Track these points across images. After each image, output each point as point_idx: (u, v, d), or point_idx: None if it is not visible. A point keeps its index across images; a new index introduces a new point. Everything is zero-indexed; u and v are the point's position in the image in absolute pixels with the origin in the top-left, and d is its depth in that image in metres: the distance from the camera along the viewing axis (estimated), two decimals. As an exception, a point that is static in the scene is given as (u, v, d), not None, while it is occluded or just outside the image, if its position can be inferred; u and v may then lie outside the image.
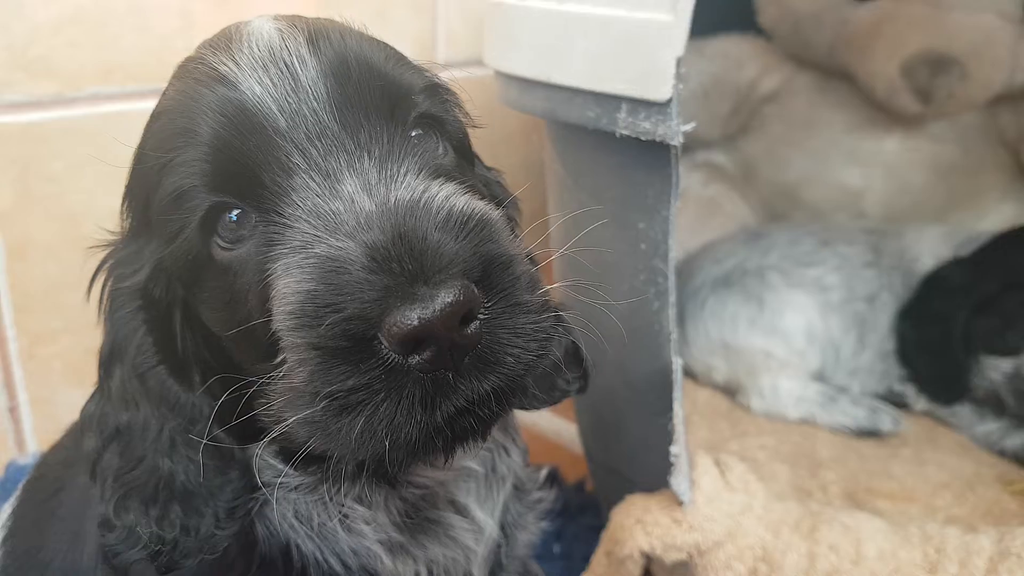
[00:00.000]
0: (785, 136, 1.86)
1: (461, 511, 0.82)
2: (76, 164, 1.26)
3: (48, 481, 0.90)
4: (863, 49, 1.71)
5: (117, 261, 0.72)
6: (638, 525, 0.98)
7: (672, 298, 0.93)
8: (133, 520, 0.68)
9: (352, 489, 0.73)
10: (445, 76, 0.75)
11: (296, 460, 0.62)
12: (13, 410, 1.32)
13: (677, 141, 0.80)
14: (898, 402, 1.57)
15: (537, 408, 0.86)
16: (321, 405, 0.54)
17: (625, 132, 0.83)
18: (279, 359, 0.58)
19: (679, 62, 0.77)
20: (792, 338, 1.51)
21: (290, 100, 0.61)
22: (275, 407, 0.58)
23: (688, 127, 0.82)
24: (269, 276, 0.59)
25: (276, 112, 0.60)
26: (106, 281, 0.72)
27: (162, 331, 0.69)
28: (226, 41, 0.66)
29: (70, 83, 1.24)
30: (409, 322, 0.50)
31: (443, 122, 0.70)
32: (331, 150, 0.60)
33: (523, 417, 1.72)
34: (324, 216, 0.57)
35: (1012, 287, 1.41)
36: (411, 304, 0.50)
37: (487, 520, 0.84)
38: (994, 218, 1.76)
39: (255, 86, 0.61)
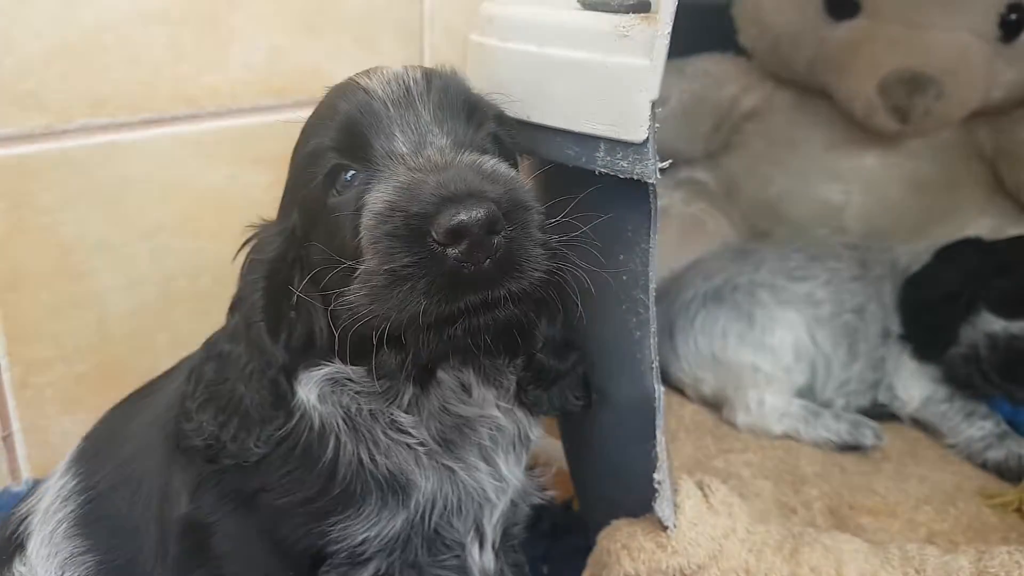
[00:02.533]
0: (766, 153, 1.89)
1: (488, 460, 0.98)
2: (68, 195, 1.28)
3: (146, 387, 1.12)
4: (841, 68, 1.74)
5: (259, 240, 0.93)
6: (624, 550, 1.01)
7: (653, 327, 0.95)
8: (205, 418, 0.90)
9: (399, 385, 0.91)
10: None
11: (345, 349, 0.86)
12: (7, 438, 1.34)
13: (654, 179, 0.83)
14: (882, 414, 1.60)
15: (548, 414, 1.05)
16: (382, 276, 0.73)
17: (604, 170, 0.85)
18: (360, 270, 0.77)
19: (654, 104, 0.79)
20: (780, 354, 1.54)
21: (401, 101, 0.84)
22: (352, 293, 0.77)
23: (664, 164, 0.84)
24: (363, 202, 0.79)
25: (390, 106, 0.84)
26: (248, 252, 0.93)
27: (273, 298, 0.90)
28: (368, 71, 0.89)
29: (61, 115, 1.25)
30: (454, 218, 0.70)
31: (504, 143, 0.92)
32: (423, 131, 0.83)
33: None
34: (409, 166, 0.79)
35: None
36: (457, 209, 0.70)
37: (510, 474, 0.99)
38: (972, 232, 1.79)
39: (379, 90, 0.85)
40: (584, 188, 0.91)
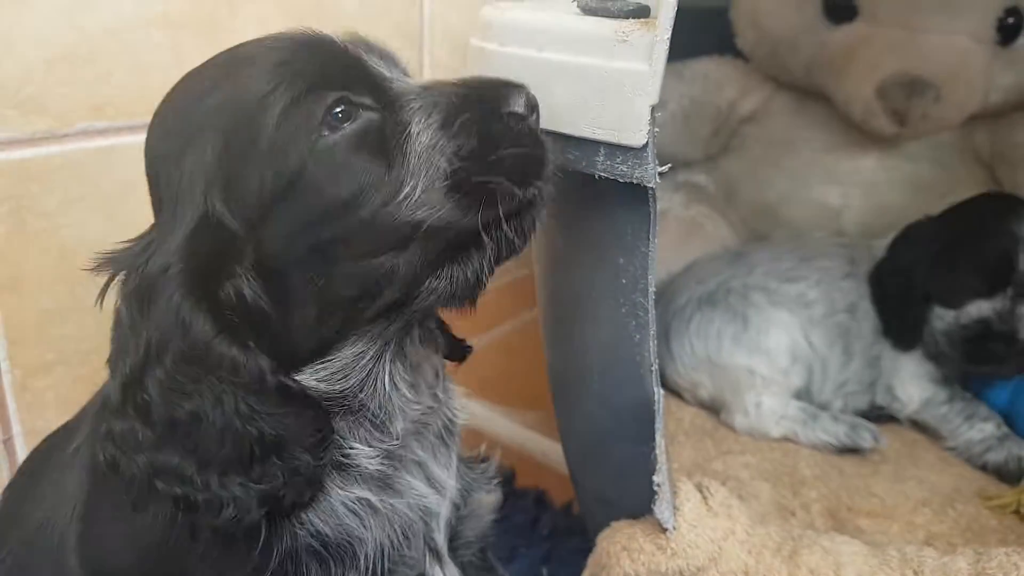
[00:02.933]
0: (765, 156, 1.89)
1: (424, 470, 0.89)
2: (68, 199, 1.28)
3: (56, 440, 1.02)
4: (839, 71, 1.74)
5: (136, 260, 0.74)
6: (624, 552, 1.01)
7: (652, 331, 0.95)
8: (240, 490, 0.72)
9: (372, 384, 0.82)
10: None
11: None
12: (7, 442, 1.34)
13: (653, 183, 0.83)
14: (880, 416, 1.61)
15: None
16: (470, 164, 0.73)
17: (604, 174, 0.86)
18: (410, 184, 0.73)
19: (654, 109, 0.80)
20: (776, 356, 1.55)
21: (349, 46, 0.79)
22: (415, 201, 0.73)
23: (664, 168, 0.85)
24: (406, 120, 0.76)
25: (348, 47, 0.79)
26: (127, 282, 0.73)
27: (212, 303, 0.72)
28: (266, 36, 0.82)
29: (62, 119, 1.26)
30: (523, 93, 0.77)
31: None
32: (389, 68, 0.81)
33: (509, 439, 1.73)
34: (423, 88, 0.78)
35: (966, 236, 1.51)
36: (520, 89, 0.77)
37: (447, 479, 0.91)
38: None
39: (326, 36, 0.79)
40: (584, 190, 0.92)
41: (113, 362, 0.74)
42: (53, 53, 1.22)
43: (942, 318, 1.52)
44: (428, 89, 0.78)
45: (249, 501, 0.72)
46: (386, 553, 0.84)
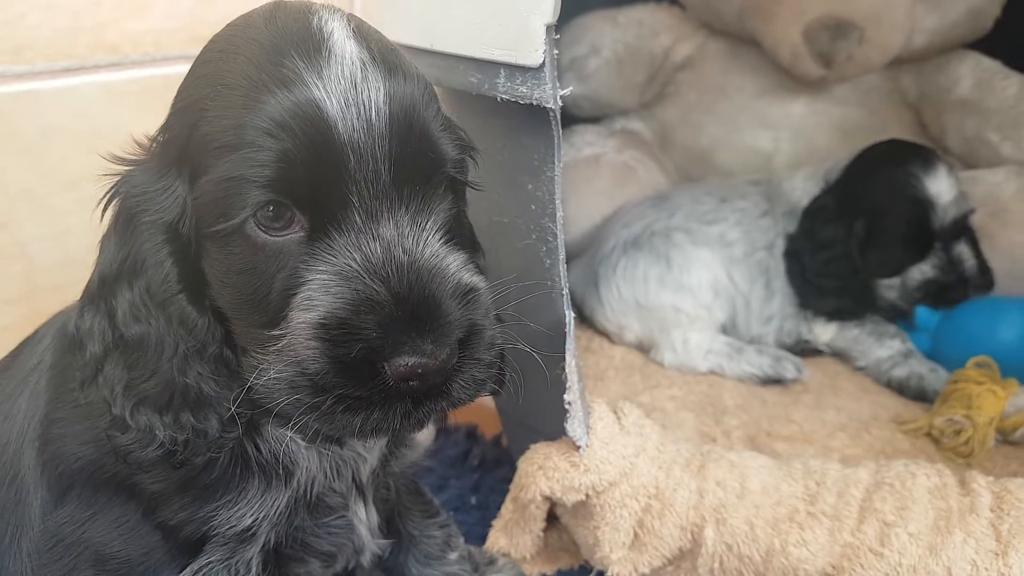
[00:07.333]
0: (698, 102, 1.92)
1: None
2: (-14, 143, 1.27)
3: None
4: (768, 16, 1.77)
5: (142, 193, 0.78)
6: (540, 471, 1.04)
7: (562, 255, 0.98)
8: (146, 424, 0.79)
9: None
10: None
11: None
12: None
13: (553, 104, 0.85)
14: (805, 350, 1.65)
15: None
16: (331, 400, 0.71)
17: (505, 97, 0.87)
18: (277, 334, 0.73)
19: (549, 28, 0.81)
20: (699, 293, 1.58)
21: (361, 144, 0.71)
22: (270, 373, 0.74)
23: (565, 91, 0.86)
24: (302, 278, 0.73)
25: (350, 152, 0.71)
26: (123, 206, 0.79)
27: (184, 263, 0.78)
28: (312, 50, 0.73)
29: (-24, 63, 1.24)
30: (410, 362, 0.69)
31: (460, 183, 0.85)
32: (379, 196, 0.73)
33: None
34: (364, 253, 0.73)
35: (879, 213, 1.57)
36: (419, 355, 0.70)
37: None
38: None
39: (339, 122, 0.71)
40: (491, 117, 0.94)
41: (100, 251, 0.81)
42: (-38, -7, 1.20)
43: (891, 288, 1.60)
44: (354, 286, 0.71)
45: (149, 438, 0.79)
46: (318, 481, 0.91)
